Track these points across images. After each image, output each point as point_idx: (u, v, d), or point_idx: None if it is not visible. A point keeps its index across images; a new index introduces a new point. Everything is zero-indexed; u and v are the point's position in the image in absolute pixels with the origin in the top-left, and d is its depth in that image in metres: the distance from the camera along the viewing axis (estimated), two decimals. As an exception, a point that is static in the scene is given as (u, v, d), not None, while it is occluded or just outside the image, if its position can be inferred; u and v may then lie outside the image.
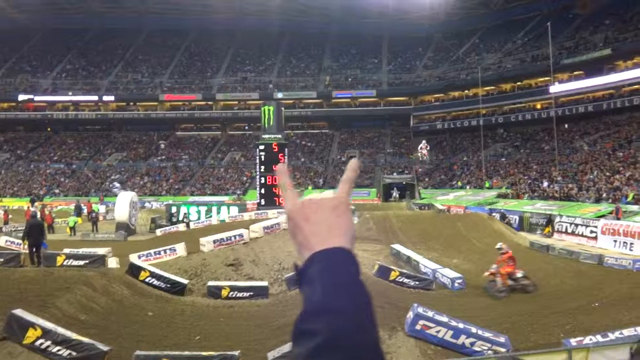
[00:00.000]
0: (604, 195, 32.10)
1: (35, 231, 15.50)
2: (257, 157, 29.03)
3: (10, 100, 65.92)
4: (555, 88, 48.96)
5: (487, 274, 14.36)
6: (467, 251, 20.86)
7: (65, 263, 13.79)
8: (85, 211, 38.20)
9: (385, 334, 7.81)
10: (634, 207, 26.89)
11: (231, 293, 12.90)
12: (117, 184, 53.75)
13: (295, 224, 1.10)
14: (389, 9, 66.85)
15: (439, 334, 7.50)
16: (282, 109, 32.23)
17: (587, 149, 44.11)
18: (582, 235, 24.63)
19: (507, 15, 66.29)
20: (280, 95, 63.94)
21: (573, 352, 6.23)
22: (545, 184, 39.89)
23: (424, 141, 55.09)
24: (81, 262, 13.90)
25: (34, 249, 15.11)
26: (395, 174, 53.84)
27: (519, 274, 13.96)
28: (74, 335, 7.57)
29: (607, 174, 36.15)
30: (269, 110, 30.10)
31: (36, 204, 42.59)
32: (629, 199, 29.43)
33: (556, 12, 60.04)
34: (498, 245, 14.95)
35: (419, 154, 54.78)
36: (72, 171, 60.24)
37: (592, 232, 24.04)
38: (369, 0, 65.19)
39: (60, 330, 7.60)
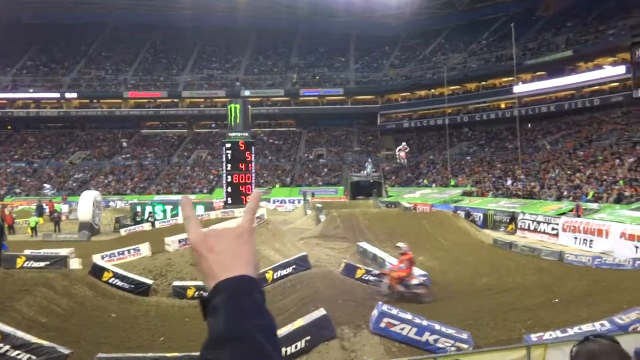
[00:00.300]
0: (565, 193, 32.89)
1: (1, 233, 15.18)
2: (224, 156, 28.80)
3: (-32, 97, 63.91)
4: (519, 88, 49.93)
5: (378, 272, 13.84)
6: (433, 249, 21.12)
7: (25, 265, 13.47)
8: (47, 211, 37.35)
9: (351, 331, 7.86)
10: (594, 205, 27.62)
11: (197, 293, 12.76)
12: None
13: (199, 254, 1.10)
14: (356, 8, 67.16)
15: (403, 331, 7.58)
16: (249, 106, 32.04)
17: (549, 148, 45.15)
18: (544, 233, 25.21)
19: (472, 16, 67.26)
20: (247, 93, 63.67)
21: (532, 348, 6.38)
22: (509, 182, 40.66)
23: (403, 143, 54.35)
24: (42, 264, 13.59)
25: (-6, 251, 14.72)
26: (362, 172, 54.10)
27: (414, 281, 12.63)
28: (34, 339, 7.41)
29: (568, 172, 37.05)
30: (235, 108, 29.86)
31: (-4, 203, 41.44)
32: (589, 197, 30.22)
33: (520, 14, 61.20)
34: (398, 244, 13.63)
35: (397, 156, 54.07)
36: (34, 170, 58.81)
37: (553, 229, 24.62)
38: (336, -1, 65.44)
39: (20, 334, 7.43)
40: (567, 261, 16.96)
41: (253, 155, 28.94)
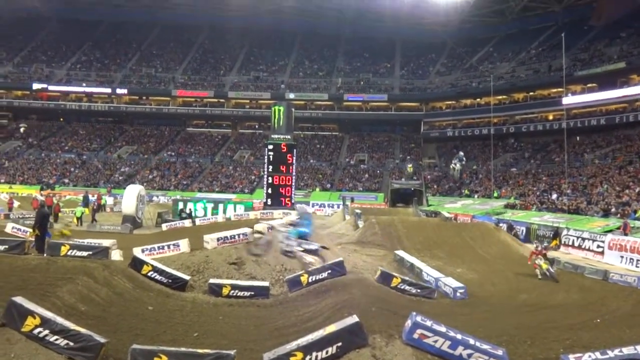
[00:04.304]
0: (613, 209, 31.85)
1: (46, 221, 15.72)
2: (266, 157, 29.03)
3: (25, 88, 66.70)
4: (568, 100, 48.77)
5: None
6: (472, 261, 20.73)
7: (69, 253, 13.84)
8: (94, 202, 38.44)
9: (383, 340, 7.76)
10: (642, 224, 26.64)
11: (232, 291, 12.85)
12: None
13: None
14: (403, 14, 66.74)
15: (437, 343, 7.43)
16: (293, 109, 32.21)
17: (597, 163, 43.82)
18: (588, 250, 24.43)
19: (521, 24, 66.14)
20: (291, 95, 64.14)
21: (568, 369, 6.17)
22: (554, 196, 39.63)
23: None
24: (85, 253, 13.92)
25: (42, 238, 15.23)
26: (404, 179, 53.68)
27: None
28: (72, 326, 7.56)
29: (617, 188, 35.87)
30: (279, 110, 30.12)
31: (43, 192, 42.92)
32: (638, 214, 29.18)
33: (571, 23, 59.78)
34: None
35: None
36: (83, 162, 60.65)
37: (599, 246, 23.83)
38: (383, 3, 65.04)
39: (59, 319, 7.60)
40: (611, 280, 16.38)
41: (294, 157, 29.06)
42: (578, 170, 43.62)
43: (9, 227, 23.24)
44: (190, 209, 33.87)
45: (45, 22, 78.36)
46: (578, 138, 50.37)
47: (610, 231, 25.89)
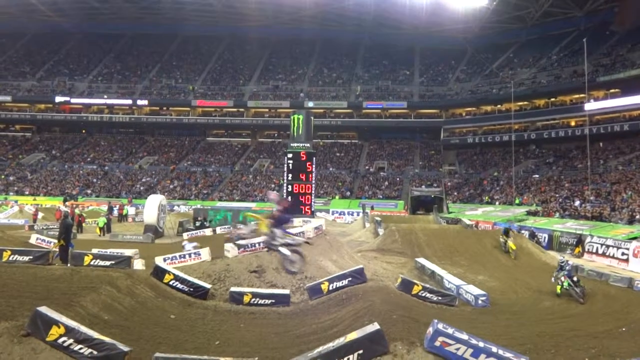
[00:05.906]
0: (637, 216, 31.30)
1: (70, 232, 16.00)
2: (285, 165, 29.10)
3: (48, 101, 67.96)
4: (590, 105, 48.15)
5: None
6: (493, 268, 20.53)
7: (92, 263, 14.04)
8: (116, 212, 39.02)
9: (404, 348, 7.72)
10: (669, 230, 26.15)
11: (253, 299, 12.91)
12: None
13: None
14: (422, 21, 66.66)
15: (459, 351, 7.37)
16: (312, 118, 32.27)
17: (621, 169, 43.15)
18: (613, 257, 24.04)
19: (542, 30, 65.49)
20: (311, 104, 64.32)
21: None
22: (577, 203, 39.08)
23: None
24: (107, 263, 14.13)
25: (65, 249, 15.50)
26: (424, 186, 53.48)
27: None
28: (96, 335, 7.65)
29: (642, 194, 35.29)
30: (298, 118, 30.15)
31: (67, 203, 43.53)
32: (664, 221, 28.65)
33: (593, 29, 59.09)
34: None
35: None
36: (105, 172, 61.44)
37: (623, 254, 23.43)
38: (402, 11, 64.99)
39: (83, 329, 7.70)
40: (636, 288, 16.10)
41: (314, 166, 29.05)
42: (601, 177, 42.99)
43: (34, 238, 23.65)
44: (205, 217, 34.06)
45: (68, 36, 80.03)
46: (601, 144, 49.69)
47: (635, 238, 25.44)
